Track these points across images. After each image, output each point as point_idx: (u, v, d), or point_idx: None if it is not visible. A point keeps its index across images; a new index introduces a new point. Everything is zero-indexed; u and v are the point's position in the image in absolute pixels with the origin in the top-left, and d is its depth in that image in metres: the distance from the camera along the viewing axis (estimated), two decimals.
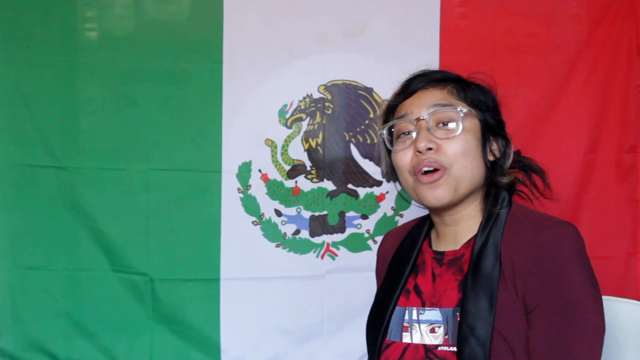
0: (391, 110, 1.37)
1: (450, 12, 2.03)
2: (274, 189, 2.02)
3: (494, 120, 1.32)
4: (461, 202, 1.29)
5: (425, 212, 1.41)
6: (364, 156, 2.04)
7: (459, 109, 1.26)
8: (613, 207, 2.03)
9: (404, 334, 1.28)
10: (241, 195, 2.01)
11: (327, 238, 2.04)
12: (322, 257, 2.04)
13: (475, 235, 1.26)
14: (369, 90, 2.04)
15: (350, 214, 2.04)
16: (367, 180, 2.04)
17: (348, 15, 2.02)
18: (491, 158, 1.31)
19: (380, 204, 2.05)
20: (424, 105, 1.29)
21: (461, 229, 1.30)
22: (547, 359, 1.13)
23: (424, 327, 1.25)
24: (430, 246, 1.36)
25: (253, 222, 2.02)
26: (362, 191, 2.04)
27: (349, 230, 2.05)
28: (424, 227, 1.39)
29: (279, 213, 2.03)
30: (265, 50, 2.00)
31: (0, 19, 1.94)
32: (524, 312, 1.16)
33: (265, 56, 2.00)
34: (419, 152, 1.25)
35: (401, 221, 2.05)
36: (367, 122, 2.04)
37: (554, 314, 1.13)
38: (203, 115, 2.00)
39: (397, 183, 1.40)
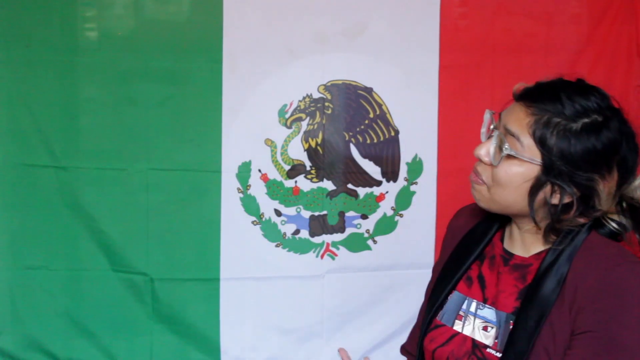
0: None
1: (450, 12, 2.03)
2: (273, 189, 2.02)
3: (566, 171, 1.18)
4: (520, 217, 1.26)
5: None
6: (364, 156, 2.04)
7: (508, 147, 1.20)
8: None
9: (456, 321, 1.29)
10: (241, 195, 2.01)
11: (327, 238, 2.04)
12: (322, 257, 2.04)
13: (548, 250, 1.23)
14: (369, 90, 2.03)
15: (350, 213, 2.04)
16: (366, 180, 2.04)
17: (348, 15, 2.02)
18: (553, 201, 1.21)
19: (380, 203, 2.05)
20: (505, 120, 1.23)
21: (529, 237, 1.28)
22: None
23: (479, 322, 1.26)
24: (501, 240, 1.34)
25: (253, 222, 2.02)
26: (361, 191, 2.04)
27: (349, 230, 2.05)
28: (499, 219, 1.35)
29: (278, 213, 2.03)
30: (265, 50, 2.00)
31: (0, 19, 1.94)
32: (570, 332, 1.15)
33: (265, 56, 2.00)
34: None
35: (401, 221, 2.05)
36: (366, 122, 2.04)
37: (599, 344, 1.12)
38: (203, 115, 2.00)
39: None
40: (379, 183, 2.05)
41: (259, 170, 2.02)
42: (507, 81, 2.00)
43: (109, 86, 1.99)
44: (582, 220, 1.21)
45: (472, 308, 1.29)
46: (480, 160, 1.24)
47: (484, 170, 1.23)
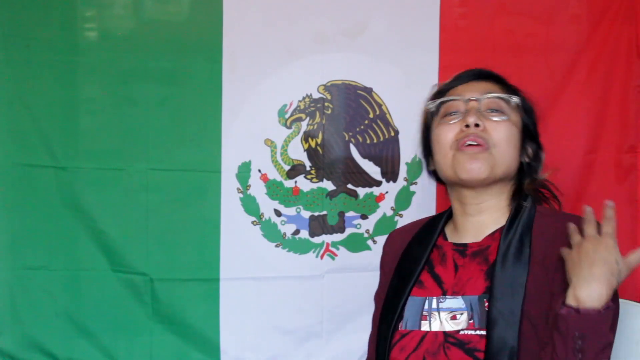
0: (441, 93, 1.42)
1: (450, 12, 2.03)
2: (273, 189, 2.02)
3: (533, 126, 1.39)
4: (489, 189, 1.33)
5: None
6: (364, 156, 2.04)
7: (510, 98, 1.34)
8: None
9: (422, 322, 1.30)
10: (241, 195, 2.01)
11: (327, 238, 2.04)
12: (322, 257, 2.04)
13: (503, 227, 1.30)
14: (369, 90, 2.03)
15: (349, 214, 2.04)
16: (366, 180, 2.04)
17: (348, 15, 2.02)
18: (525, 159, 1.37)
19: (380, 204, 2.05)
20: (477, 90, 1.35)
21: (484, 220, 1.34)
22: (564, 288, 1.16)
23: (444, 314, 1.28)
24: (446, 239, 1.38)
25: (253, 222, 2.02)
26: (361, 191, 2.04)
27: (349, 230, 2.05)
28: (439, 223, 1.42)
29: (278, 213, 2.03)
30: (265, 50, 2.00)
31: (0, 19, 1.94)
32: (550, 295, 1.20)
33: (265, 56, 2.00)
34: (467, 126, 1.31)
35: (401, 221, 2.05)
36: (366, 122, 2.04)
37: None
38: (203, 115, 2.00)
39: (427, 166, 1.46)
40: (378, 183, 2.05)
41: (259, 171, 2.02)
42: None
43: (109, 86, 1.99)
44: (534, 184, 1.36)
45: (434, 304, 1.31)
46: (474, 127, 1.30)
47: (481, 134, 1.31)
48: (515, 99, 1.35)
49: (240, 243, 2.01)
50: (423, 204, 2.05)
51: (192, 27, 2.01)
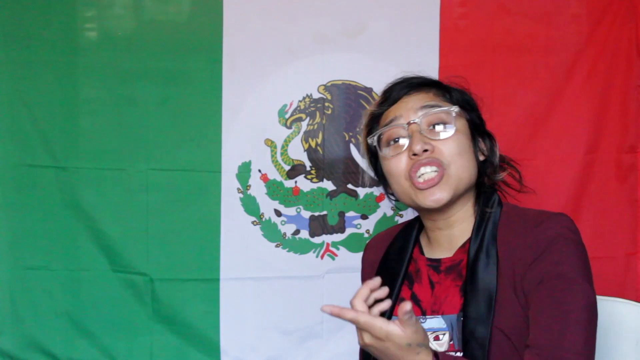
0: (375, 119, 1.34)
1: (450, 12, 2.03)
2: (273, 189, 2.02)
3: (479, 120, 1.33)
4: (455, 204, 1.28)
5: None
6: (364, 156, 2.04)
7: (450, 110, 1.26)
8: (613, 207, 2.03)
9: None
10: (241, 195, 2.01)
11: (327, 238, 2.04)
12: (322, 257, 2.04)
13: (470, 239, 1.26)
14: (369, 91, 2.04)
15: (350, 214, 2.04)
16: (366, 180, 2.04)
17: (348, 15, 2.02)
18: (481, 157, 1.31)
19: (380, 204, 2.05)
20: (412, 109, 1.28)
21: (455, 232, 1.30)
22: (543, 325, 1.13)
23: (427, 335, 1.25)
24: (422, 253, 1.35)
25: (253, 222, 2.02)
26: (361, 191, 2.04)
27: (349, 230, 2.05)
28: (412, 233, 1.38)
29: (278, 213, 2.03)
30: (265, 50, 2.00)
31: (0, 19, 1.94)
32: (521, 305, 1.17)
33: (265, 56, 2.00)
34: (415, 154, 1.24)
35: (401, 221, 2.05)
36: None
37: (546, 289, 1.15)
38: (203, 115, 2.00)
39: (386, 190, 1.40)
40: (378, 183, 2.05)
41: (259, 171, 2.02)
42: (507, 81, 2.01)
43: (109, 86, 1.99)
44: (498, 177, 1.32)
45: None
46: (423, 153, 1.24)
47: (433, 157, 1.24)
48: (454, 109, 1.26)
49: (240, 243, 2.01)
50: None
51: (192, 27, 2.01)
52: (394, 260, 1.36)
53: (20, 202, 1.97)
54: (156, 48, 1.98)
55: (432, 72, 2.02)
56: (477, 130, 1.32)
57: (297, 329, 2.05)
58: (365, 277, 1.46)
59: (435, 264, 1.31)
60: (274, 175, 2.02)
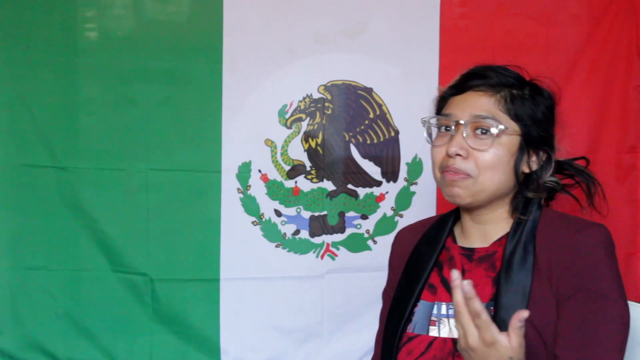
0: (444, 99, 1.38)
1: (450, 12, 2.03)
2: (273, 189, 2.02)
3: (539, 134, 1.32)
4: (484, 207, 1.32)
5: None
6: (364, 156, 2.04)
7: (498, 126, 1.27)
8: (613, 207, 2.02)
9: (431, 327, 1.30)
10: (241, 195, 2.01)
11: (327, 238, 2.04)
12: (322, 257, 2.04)
13: (507, 234, 1.29)
14: (369, 91, 2.03)
15: (350, 214, 2.04)
16: (366, 180, 2.04)
17: (348, 15, 2.02)
18: (526, 170, 1.32)
19: (380, 204, 2.05)
20: (468, 111, 1.30)
21: (489, 229, 1.33)
22: (573, 344, 1.18)
23: (454, 321, 1.25)
24: (455, 242, 1.38)
25: (253, 222, 2.02)
26: (361, 191, 2.04)
27: (349, 231, 2.05)
28: (447, 224, 1.41)
29: (278, 213, 2.03)
30: (265, 50, 2.00)
31: (0, 19, 1.94)
32: (555, 304, 1.20)
33: (265, 56, 2.00)
34: (449, 155, 1.28)
35: (401, 221, 2.05)
36: (367, 122, 2.04)
37: (583, 304, 1.19)
38: (203, 115, 2.00)
39: None
40: (379, 183, 2.05)
41: (259, 171, 2.02)
42: None
43: (109, 86, 1.99)
44: (538, 194, 1.32)
45: (444, 311, 1.30)
46: (455, 156, 1.27)
47: (466, 162, 1.27)
48: (501, 127, 1.27)
49: (240, 243, 2.01)
50: (423, 204, 2.05)
51: (193, 27, 2.00)
52: (426, 247, 1.39)
53: (20, 202, 1.97)
54: (156, 48, 1.98)
55: (432, 72, 2.03)
56: (532, 144, 1.31)
57: (297, 329, 2.05)
58: (393, 266, 1.49)
59: (468, 252, 1.33)
60: (274, 175, 2.02)
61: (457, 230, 1.40)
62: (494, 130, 1.27)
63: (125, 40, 1.99)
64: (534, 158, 1.32)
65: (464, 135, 1.28)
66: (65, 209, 1.97)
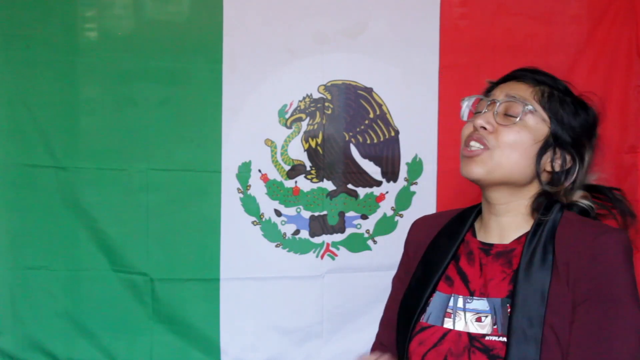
0: (490, 89, 1.40)
1: (450, 12, 2.03)
2: (273, 189, 2.02)
3: (570, 137, 1.31)
4: (499, 191, 1.31)
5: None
6: (364, 156, 2.04)
7: (527, 105, 1.29)
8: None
9: (446, 319, 1.30)
10: (241, 195, 2.01)
11: (327, 238, 2.04)
12: (322, 257, 2.04)
13: (527, 233, 1.29)
14: (369, 90, 2.04)
15: (350, 214, 2.04)
16: (366, 180, 2.05)
17: (348, 15, 2.02)
18: (549, 168, 1.31)
19: (380, 204, 2.05)
20: (504, 92, 1.32)
21: (507, 222, 1.33)
22: (586, 347, 1.18)
23: (470, 315, 1.27)
24: (475, 236, 1.38)
25: (253, 222, 2.02)
26: (361, 191, 2.04)
27: (349, 230, 2.05)
28: (469, 218, 1.41)
29: (278, 213, 2.03)
30: (265, 50, 2.00)
31: (0, 19, 1.94)
32: (572, 306, 1.20)
33: (265, 56, 2.00)
34: (475, 128, 1.30)
35: (401, 221, 2.05)
36: (367, 122, 2.04)
37: (597, 308, 1.19)
38: (203, 115, 2.00)
39: None
40: (379, 183, 2.05)
41: (259, 171, 2.02)
42: None
43: (109, 86, 1.99)
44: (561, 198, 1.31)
45: (460, 303, 1.30)
46: (481, 129, 1.28)
47: (486, 134, 1.29)
48: (529, 107, 1.29)
49: (240, 243, 2.01)
50: (423, 204, 2.05)
51: (193, 27, 2.01)
52: (445, 239, 1.40)
53: (20, 202, 1.97)
54: (156, 48, 1.98)
55: (432, 72, 2.03)
56: (560, 143, 1.30)
57: (297, 329, 2.05)
58: (409, 253, 1.48)
59: (486, 247, 1.34)
60: (274, 175, 2.02)
61: (477, 225, 1.40)
62: (527, 107, 1.28)
63: (125, 40, 1.99)
64: (558, 158, 1.30)
65: (495, 112, 1.30)
66: (65, 208, 1.97)
